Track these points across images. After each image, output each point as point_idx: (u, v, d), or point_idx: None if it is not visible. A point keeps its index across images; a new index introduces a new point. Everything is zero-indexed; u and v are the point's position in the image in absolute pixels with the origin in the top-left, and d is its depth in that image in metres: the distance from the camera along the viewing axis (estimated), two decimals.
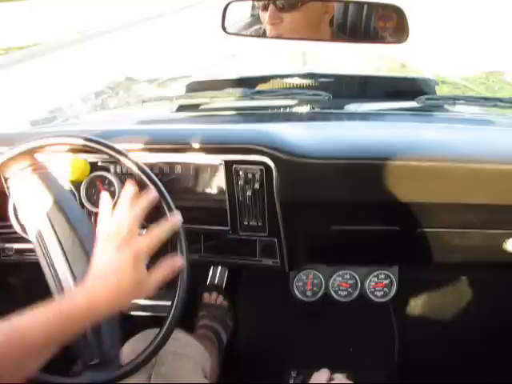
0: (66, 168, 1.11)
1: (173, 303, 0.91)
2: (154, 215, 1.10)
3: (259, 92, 1.46)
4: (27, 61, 7.04)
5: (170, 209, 0.93)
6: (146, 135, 1.20)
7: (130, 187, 0.81)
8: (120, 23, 9.86)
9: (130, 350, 1.01)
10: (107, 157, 0.97)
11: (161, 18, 10.26)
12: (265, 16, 1.16)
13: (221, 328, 1.65)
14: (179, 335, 1.15)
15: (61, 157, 1.11)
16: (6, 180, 1.15)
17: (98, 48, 7.72)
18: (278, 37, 1.08)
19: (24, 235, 1.11)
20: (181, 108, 1.53)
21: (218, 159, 1.14)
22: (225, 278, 1.81)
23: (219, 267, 1.81)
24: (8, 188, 1.13)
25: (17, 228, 1.11)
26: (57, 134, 0.99)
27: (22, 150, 0.97)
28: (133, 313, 1.55)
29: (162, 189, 0.94)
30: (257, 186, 1.13)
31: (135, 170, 0.95)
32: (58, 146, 1.00)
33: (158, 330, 0.93)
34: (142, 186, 0.95)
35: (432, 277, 1.66)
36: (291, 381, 1.44)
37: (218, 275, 1.81)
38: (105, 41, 8.35)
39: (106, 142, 0.96)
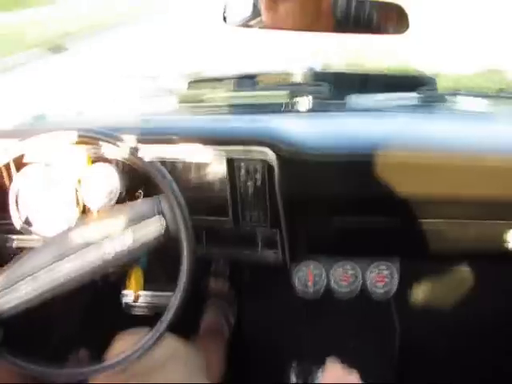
0: (68, 162, 1.12)
1: (174, 294, 0.92)
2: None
3: (260, 85, 1.46)
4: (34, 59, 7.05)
5: (178, 203, 0.93)
6: (147, 129, 1.20)
7: None
8: (122, 17, 9.87)
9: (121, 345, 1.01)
10: (110, 151, 0.97)
11: (164, 12, 10.26)
12: (262, 4, 1.16)
13: (228, 310, 1.68)
14: (172, 339, 1.15)
15: (63, 151, 1.11)
16: (10, 174, 1.16)
17: (101, 43, 7.72)
18: (276, 25, 1.08)
19: (25, 229, 1.11)
20: (183, 102, 1.53)
21: (220, 152, 1.14)
22: (227, 274, 1.81)
23: (221, 262, 1.81)
24: (11, 182, 1.14)
25: (18, 222, 1.11)
26: (65, 128, 0.99)
27: (27, 146, 0.97)
28: (135, 304, 1.56)
29: (173, 182, 0.94)
30: (258, 178, 1.14)
31: (146, 165, 0.95)
32: (65, 140, 1.00)
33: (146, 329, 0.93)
34: (144, 180, 0.95)
35: (433, 269, 1.66)
36: (293, 375, 1.44)
37: (220, 270, 1.81)
38: (108, 35, 8.35)
39: (117, 134, 0.97)
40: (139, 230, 0.90)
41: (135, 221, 0.91)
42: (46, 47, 7.51)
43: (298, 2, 1.05)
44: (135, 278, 1.07)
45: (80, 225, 0.96)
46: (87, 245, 0.90)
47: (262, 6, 1.05)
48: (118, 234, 0.90)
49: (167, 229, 0.91)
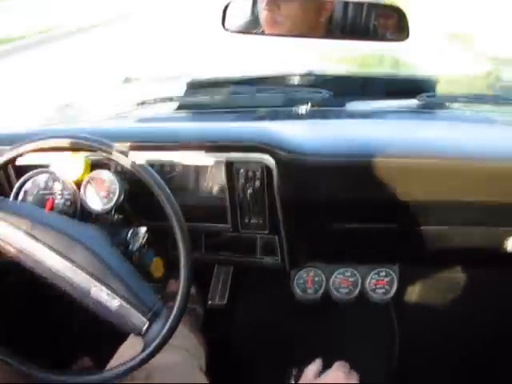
0: (68, 167, 1.12)
1: (175, 300, 0.91)
2: (155, 213, 1.11)
3: (260, 90, 1.46)
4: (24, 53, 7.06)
5: (172, 207, 0.92)
6: (146, 134, 1.20)
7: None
8: (121, 19, 9.88)
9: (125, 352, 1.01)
10: (108, 156, 0.97)
11: (163, 15, 10.26)
12: (262, 3, 1.16)
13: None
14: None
15: (63, 156, 1.11)
16: (9, 178, 1.16)
17: (100, 45, 7.72)
18: (275, 32, 1.08)
19: None
20: (181, 106, 1.53)
21: (218, 157, 1.14)
22: (230, 277, 1.80)
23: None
24: (8, 187, 1.14)
25: None
26: (57, 134, 0.99)
27: (21, 151, 0.97)
28: None
29: (165, 186, 0.94)
30: (257, 184, 1.14)
31: (136, 168, 0.94)
32: (58, 146, 0.99)
33: None
34: (143, 185, 0.95)
35: (432, 275, 1.66)
36: (292, 379, 1.44)
37: (223, 274, 1.80)
38: (106, 37, 8.35)
39: (107, 141, 0.96)
40: (125, 313, 0.87)
41: (129, 300, 0.87)
42: None
43: (298, 8, 1.05)
44: (156, 265, 1.13)
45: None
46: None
47: (264, 5, 1.05)
48: (108, 294, 0.87)
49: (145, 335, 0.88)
